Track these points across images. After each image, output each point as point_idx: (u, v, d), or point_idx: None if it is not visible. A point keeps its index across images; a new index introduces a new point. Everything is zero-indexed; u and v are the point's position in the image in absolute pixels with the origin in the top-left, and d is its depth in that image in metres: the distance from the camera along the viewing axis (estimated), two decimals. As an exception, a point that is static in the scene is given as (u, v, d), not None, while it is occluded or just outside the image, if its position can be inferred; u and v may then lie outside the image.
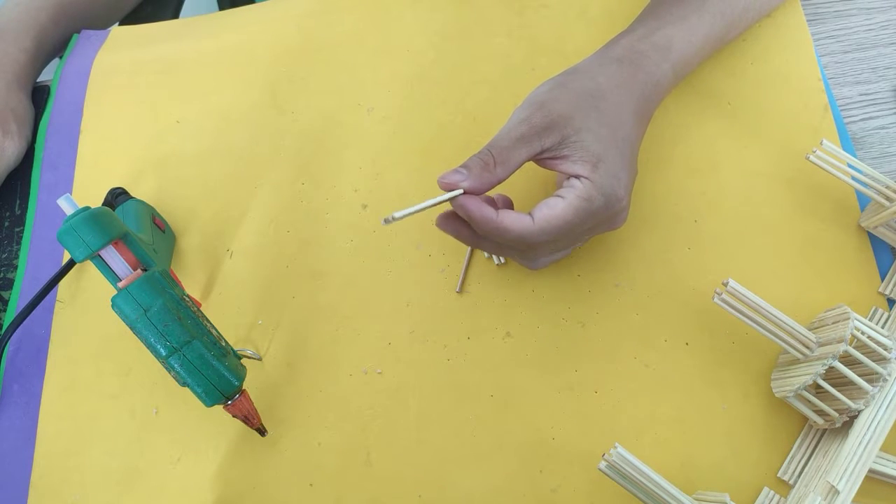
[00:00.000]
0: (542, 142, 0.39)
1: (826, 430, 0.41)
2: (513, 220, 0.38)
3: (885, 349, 0.38)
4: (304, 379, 0.46)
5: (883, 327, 0.43)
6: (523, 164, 0.39)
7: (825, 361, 0.37)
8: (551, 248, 0.41)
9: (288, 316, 0.48)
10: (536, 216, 0.38)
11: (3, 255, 0.53)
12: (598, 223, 0.40)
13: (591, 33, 0.55)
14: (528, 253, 0.41)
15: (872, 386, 0.37)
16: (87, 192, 0.54)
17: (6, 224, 0.54)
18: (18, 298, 0.50)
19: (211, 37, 0.61)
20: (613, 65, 0.43)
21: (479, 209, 0.37)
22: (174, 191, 0.53)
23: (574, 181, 0.38)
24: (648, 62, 0.44)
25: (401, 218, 0.36)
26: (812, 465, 0.40)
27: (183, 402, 0.46)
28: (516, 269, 0.48)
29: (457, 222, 0.40)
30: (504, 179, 0.39)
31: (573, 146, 0.39)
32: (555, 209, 0.38)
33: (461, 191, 0.38)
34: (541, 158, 0.40)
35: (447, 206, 0.39)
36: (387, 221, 0.36)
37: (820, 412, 0.39)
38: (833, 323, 0.40)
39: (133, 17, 0.77)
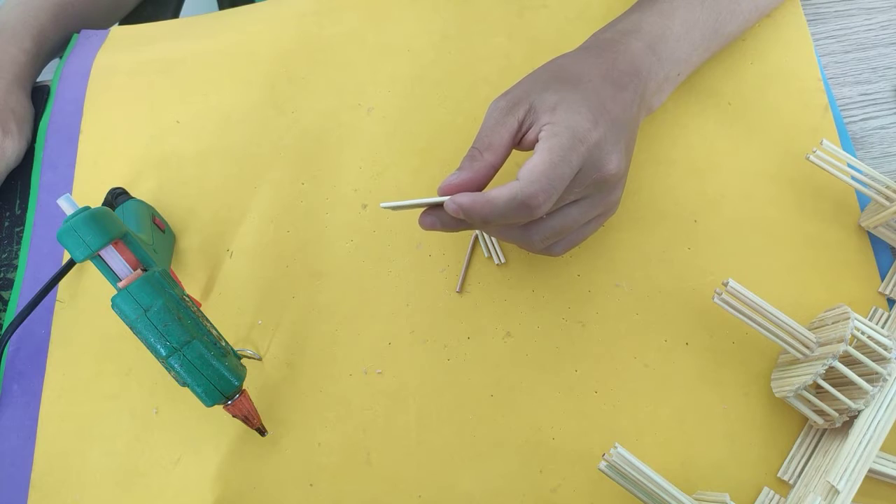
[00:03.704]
0: (516, 115, 0.40)
1: (826, 430, 0.41)
2: (499, 189, 0.38)
3: (885, 349, 0.38)
4: (304, 379, 0.46)
5: (883, 327, 0.43)
6: (509, 147, 0.40)
7: (825, 361, 0.37)
8: (551, 202, 0.39)
9: (288, 316, 0.48)
10: (520, 174, 0.38)
11: (3, 255, 0.53)
12: (584, 165, 0.39)
13: (591, 34, 0.55)
14: (534, 216, 0.39)
15: (872, 386, 0.37)
16: (87, 192, 0.54)
17: (6, 224, 0.54)
18: (18, 298, 0.50)
19: (211, 37, 0.61)
20: (578, 52, 0.45)
21: (468, 197, 0.38)
22: (174, 191, 0.53)
23: (541, 133, 0.39)
24: (615, 44, 0.44)
25: (389, 208, 0.39)
26: (812, 465, 0.40)
27: (183, 402, 0.46)
28: (516, 269, 0.48)
29: (437, 210, 0.40)
30: (497, 165, 0.40)
31: (537, 106, 0.40)
32: (532, 160, 0.38)
33: (448, 198, 0.39)
34: (521, 140, 0.41)
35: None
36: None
37: (820, 412, 0.39)
38: (833, 323, 0.40)
39: (133, 17, 0.78)
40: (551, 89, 0.41)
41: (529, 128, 0.40)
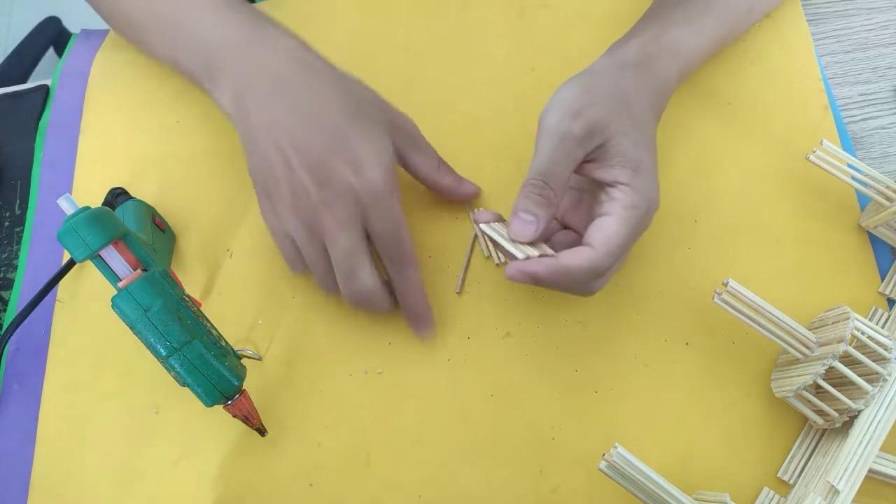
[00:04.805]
0: (585, 148, 0.38)
1: (826, 430, 0.41)
2: (575, 258, 0.37)
3: (885, 349, 0.38)
4: (304, 379, 0.46)
5: (883, 327, 0.43)
6: None
7: (825, 361, 0.37)
8: (615, 268, 0.40)
9: (288, 316, 0.48)
10: (596, 242, 0.37)
11: (3, 255, 0.53)
12: (643, 230, 0.40)
13: (592, 34, 0.55)
14: (595, 282, 0.40)
15: (872, 386, 0.37)
16: (87, 192, 0.54)
17: (6, 224, 0.54)
18: (18, 298, 0.50)
19: (211, 37, 0.61)
20: (630, 69, 0.43)
21: (542, 266, 0.37)
22: (174, 191, 0.53)
23: (614, 192, 0.38)
24: (659, 65, 0.44)
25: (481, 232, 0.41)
26: (812, 465, 0.40)
27: (183, 402, 0.46)
28: (516, 269, 0.48)
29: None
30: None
31: (613, 151, 0.38)
32: (610, 228, 0.37)
33: (552, 252, 0.38)
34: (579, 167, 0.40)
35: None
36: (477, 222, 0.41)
37: (820, 412, 0.39)
38: (833, 323, 0.40)
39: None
40: (626, 133, 0.39)
41: (595, 158, 0.39)
